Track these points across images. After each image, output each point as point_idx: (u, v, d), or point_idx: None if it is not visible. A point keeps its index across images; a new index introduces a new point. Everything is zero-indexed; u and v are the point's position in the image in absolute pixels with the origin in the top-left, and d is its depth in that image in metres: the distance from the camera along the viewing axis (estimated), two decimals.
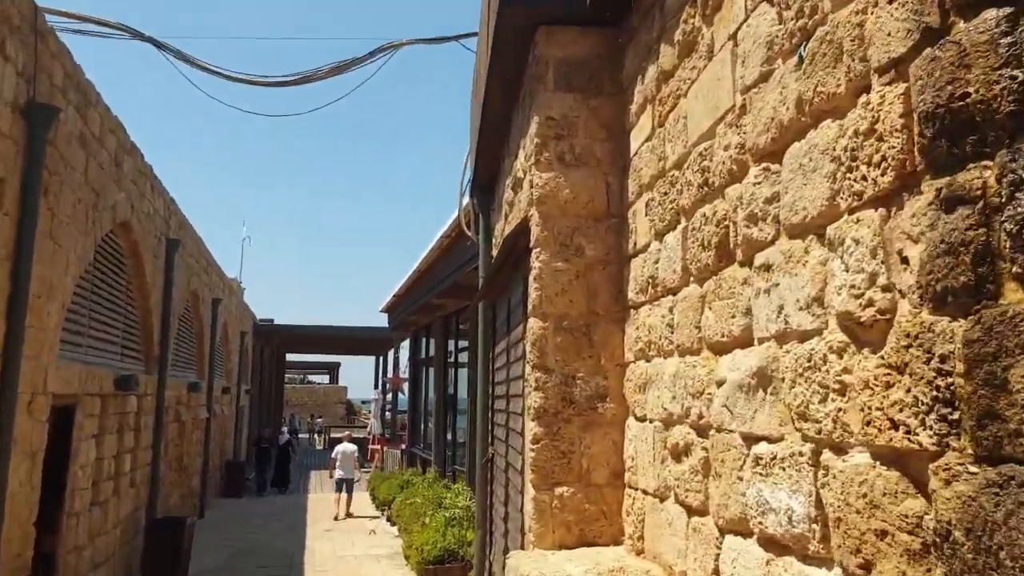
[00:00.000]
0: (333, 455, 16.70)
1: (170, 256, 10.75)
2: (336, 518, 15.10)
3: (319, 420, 39.45)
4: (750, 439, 2.29)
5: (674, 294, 2.99)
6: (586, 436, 3.82)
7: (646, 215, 3.43)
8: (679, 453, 2.88)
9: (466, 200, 8.43)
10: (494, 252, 7.11)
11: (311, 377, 62.23)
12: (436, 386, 16.76)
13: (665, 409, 3.07)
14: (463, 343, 14.86)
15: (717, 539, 2.49)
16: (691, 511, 2.76)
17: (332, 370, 59.17)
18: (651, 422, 3.29)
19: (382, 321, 22.69)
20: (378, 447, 23.01)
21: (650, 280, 3.35)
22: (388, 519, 14.72)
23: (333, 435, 25.88)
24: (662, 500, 3.13)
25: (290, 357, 44.22)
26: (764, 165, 2.26)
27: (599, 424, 3.84)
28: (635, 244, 3.63)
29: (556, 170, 3.91)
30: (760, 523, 2.18)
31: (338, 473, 15.87)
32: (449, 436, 15.67)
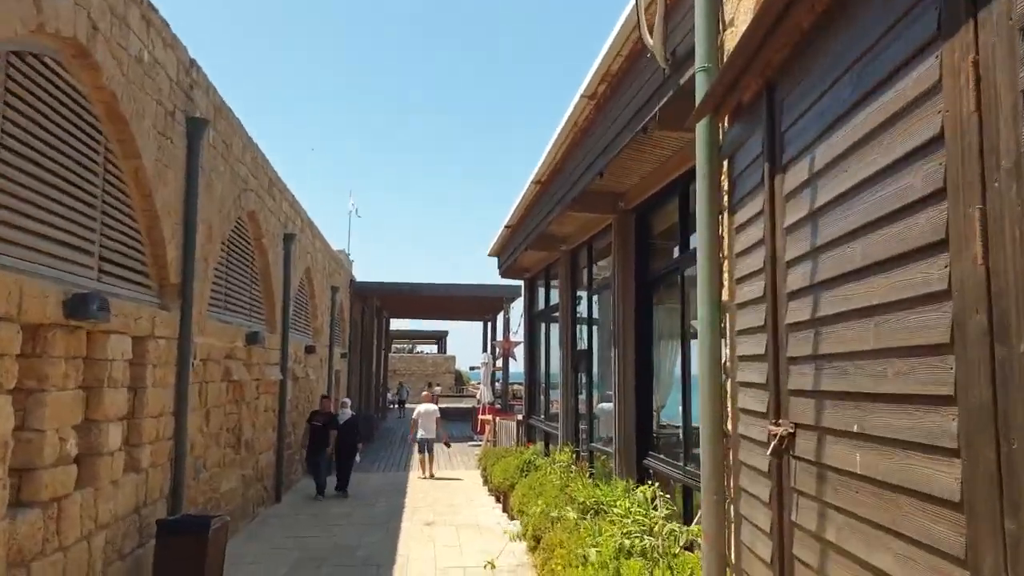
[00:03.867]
0: (414, 415, 16.38)
1: (193, 142, 7.46)
2: (429, 477, 15.52)
3: (436, 387, 37.92)
4: None
5: None
6: None
7: None
8: None
9: None
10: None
11: (419, 347, 61.71)
12: (562, 342, 13.00)
13: None
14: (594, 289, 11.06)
15: None
16: None
17: (440, 339, 58.02)
18: None
19: (494, 281, 19.29)
20: (489, 417, 19.63)
21: None
22: (505, 511, 11.22)
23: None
24: None
25: (396, 325, 42.47)
26: None
27: None
28: None
29: None
30: None
31: (420, 433, 15.91)
32: (583, 406, 11.91)
